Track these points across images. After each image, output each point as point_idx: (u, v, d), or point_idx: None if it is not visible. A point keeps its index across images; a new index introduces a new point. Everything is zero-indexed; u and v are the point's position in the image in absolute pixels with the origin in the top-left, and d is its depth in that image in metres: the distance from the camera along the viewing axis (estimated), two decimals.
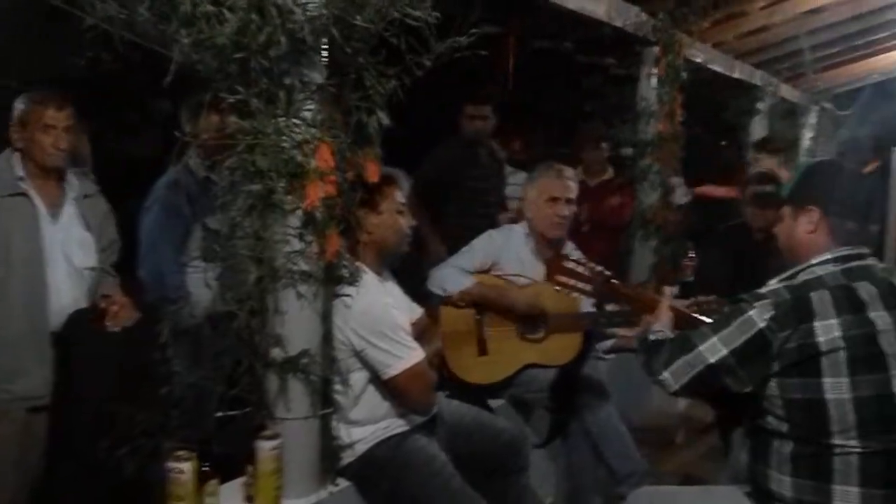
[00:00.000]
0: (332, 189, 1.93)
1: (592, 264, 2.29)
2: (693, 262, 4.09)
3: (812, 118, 8.12)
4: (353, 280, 2.07)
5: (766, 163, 4.64)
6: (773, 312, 1.71)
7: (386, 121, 1.98)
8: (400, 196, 2.25)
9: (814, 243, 1.82)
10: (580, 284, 2.25)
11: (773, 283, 1.80)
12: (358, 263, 2.13)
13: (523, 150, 5.44)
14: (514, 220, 3.94)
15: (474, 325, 2.93)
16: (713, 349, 1.76)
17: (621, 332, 3.16)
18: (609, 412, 2.78)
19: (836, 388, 1.66)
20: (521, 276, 2.99)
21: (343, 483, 2.14)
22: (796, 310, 1.70)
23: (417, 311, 2.43)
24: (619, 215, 4.37)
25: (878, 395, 1.66)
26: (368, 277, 2.16)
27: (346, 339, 2.08)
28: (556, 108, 6.03)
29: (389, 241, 2.25)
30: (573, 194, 3.04)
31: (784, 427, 1.74)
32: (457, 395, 2.73)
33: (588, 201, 4.15)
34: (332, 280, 2.02)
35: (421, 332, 2.33)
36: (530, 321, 2.94)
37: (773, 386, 1.73)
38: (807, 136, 8.16)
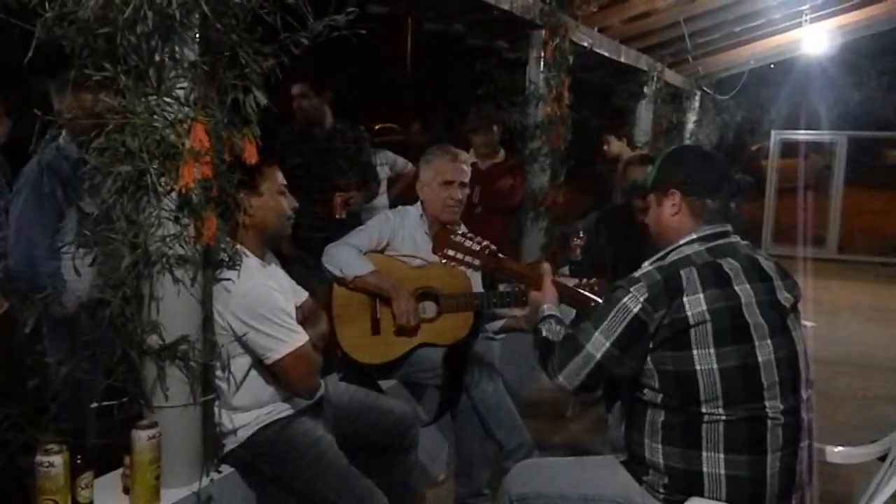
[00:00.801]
0: (208, 170, 1.87)
1: (479, 238, 2.32)
2: (582, 241, 4.21)
3: (695, 102, 8.49)
4: (232, 264, 2.02)
5: (615, 145, 4.81)
6: (647, 295, 1.78)
7: (263, 100, 1.94)
8: (280, 177, 2.21)
9: (680, 225, 1.91)
10: (467, 258, 2.28)
11: (646, 266, 1.88)
12: (238, 246, 2.08)
13: (422, 132, 5.46)
14: (347, 204, 3.91)
15: (368, 305, 2.92)
16: (598, 345, 1.82)
17: (511, 311, 3.24)
18: (497, 389, 2.83)
19: (704, 359, 1.75)
20: (415, 256, 3.01)
21: (226, 469, 2.11)
22: (667, 288, 1.78)
23: (302, 295, 2.40)
24: (511, 197, 4.44)
25: (742, 364, 1.76)
26: (250, 261, 2.12)
27: (226, 324, 2.04)
28: (450, 90, 6.07)
29: (271, 223, 2.21)
30: (467, 178, 3.07)
31: (658, 398, 1.82)
32: (349, 377, 2.73)
33: (480, 183, 4.20)
34: (210, 264, 1.97)
35: (306, 316, 2.31)
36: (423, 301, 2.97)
37: (648, 360, 1.81)
38: (691, 120, 8.53)
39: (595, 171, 5.72)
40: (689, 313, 1.75)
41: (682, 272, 1.80)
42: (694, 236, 1.89)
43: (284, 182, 2.22)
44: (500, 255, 2.32)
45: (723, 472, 1.75)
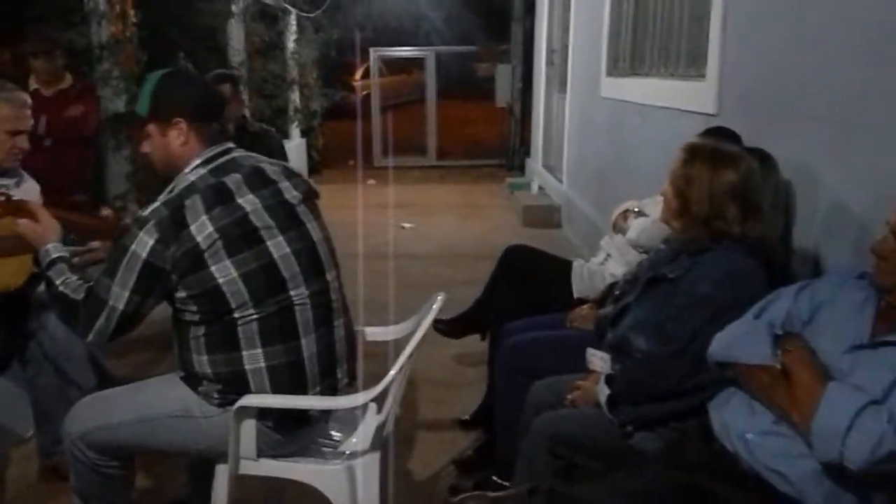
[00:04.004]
0: None
1: None
2: None
3: (292, 21, 8.56)
4: None
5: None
6: (156, 235, 1.79)
7: None
8: None
9: (189, 153, 1.93)
10: None
11: (158, 202, 1.87)
12: None
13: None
14: None
15: None
16: (118, 297, 1.81)
17: (82, 249, 3.02)
18: (67, 329, 2.66)
19: (223, 271, 1.82)
20: None
21: None
22: (174, 223, 1.80)
23: None
24: (83, 125, 4.08)
25: (260, 265, 1.86)
26: None
27: None
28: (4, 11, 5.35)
29: None
30: (31, 123, 2.77)
31: (196, 317, 1.87)
32: None
33: (46, 113, 3.81)
34: None
35: None
36: None
37: (178, 289, 1.84)
38: (291, 39, 8.61)
39: None
40: (198, 240, 1.80)
41: (186, 202, 1.82)
42: (198, 161, 1.92)
43: None
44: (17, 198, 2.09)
45: (263, 364, 1.87)
